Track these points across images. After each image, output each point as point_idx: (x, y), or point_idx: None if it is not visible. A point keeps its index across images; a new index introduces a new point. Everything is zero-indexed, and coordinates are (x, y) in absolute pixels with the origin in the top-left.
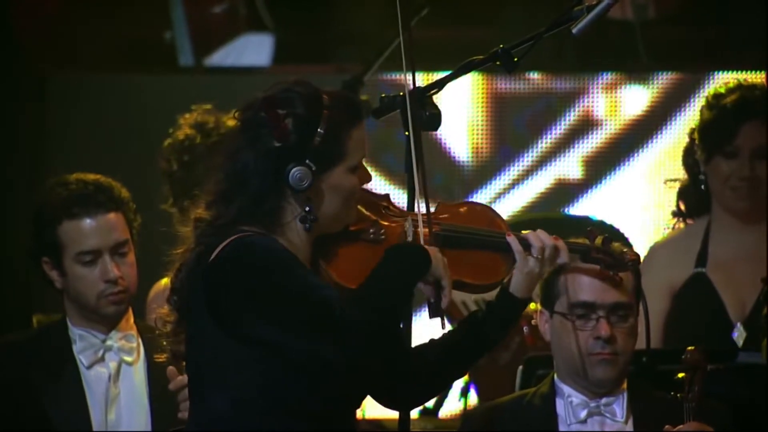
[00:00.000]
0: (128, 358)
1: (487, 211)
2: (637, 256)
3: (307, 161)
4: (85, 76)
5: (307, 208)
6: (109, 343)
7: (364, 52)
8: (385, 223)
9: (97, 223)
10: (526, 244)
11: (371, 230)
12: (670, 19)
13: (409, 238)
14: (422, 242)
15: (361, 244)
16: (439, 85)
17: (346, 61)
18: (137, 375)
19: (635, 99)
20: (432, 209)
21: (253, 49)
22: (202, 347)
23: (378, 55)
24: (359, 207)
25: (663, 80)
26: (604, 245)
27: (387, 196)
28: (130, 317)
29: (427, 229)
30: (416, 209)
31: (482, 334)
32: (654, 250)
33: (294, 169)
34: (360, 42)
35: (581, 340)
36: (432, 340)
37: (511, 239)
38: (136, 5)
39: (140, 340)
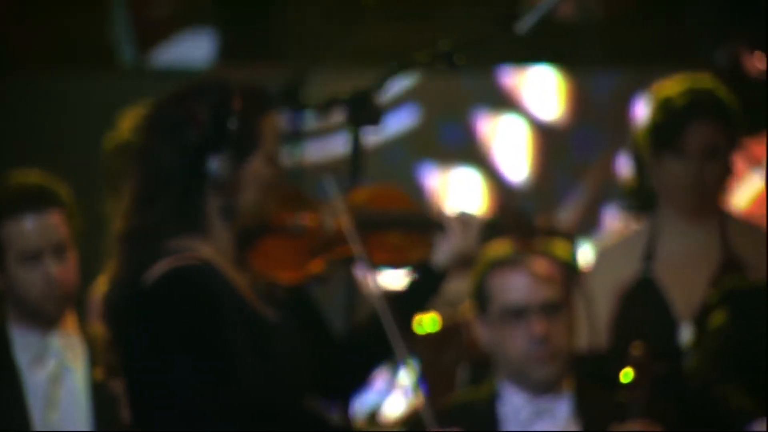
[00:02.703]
0: (69, 359)
1: (399, 192)
2: (550, 223)
3: (224, 151)
4: (23, 77)
5: (227, 200)
6: (49, 344)
7: (311, 49)
8: (304, 214)
9: (39, 223)
10: (456, 222)
11: (291, 222)
12: (618, 19)
13: (328, 226)
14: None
15: (283, 237)
16: (380, 83)
17: (292, 59)
18: (78, 376)
19: None
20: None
21: (196, 48)
22: (137, 364)
23: (321, 54)
24: (276, 200)
25: None
26: (514, 213)
27: (297, 188)
28: (72, 318)
29: (345, 217)
30: (332, 197)
31: (403, 308)
32: (600, 251)
33: (213, 160)
34: (306, 40)
35: (517, 343)
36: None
37: (447, 216)
38: (75, 4)
39: (82, 341)
